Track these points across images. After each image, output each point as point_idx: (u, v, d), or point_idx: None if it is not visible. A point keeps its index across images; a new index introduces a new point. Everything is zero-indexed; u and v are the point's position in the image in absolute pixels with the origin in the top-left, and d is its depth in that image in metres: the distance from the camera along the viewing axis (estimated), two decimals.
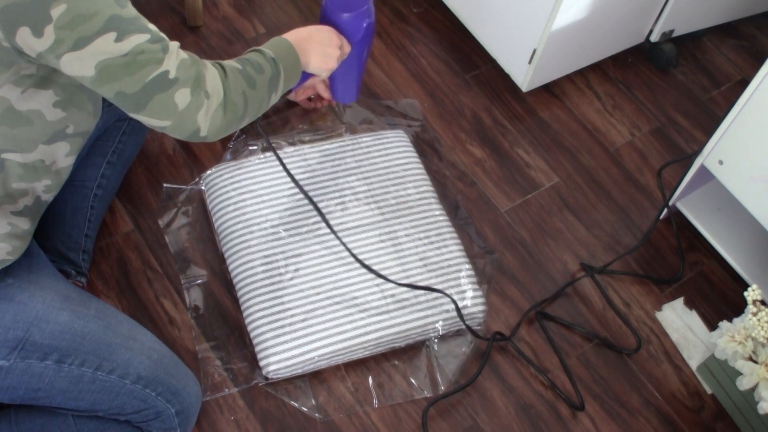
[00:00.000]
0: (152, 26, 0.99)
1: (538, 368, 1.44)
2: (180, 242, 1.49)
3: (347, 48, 1.30)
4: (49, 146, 1.07)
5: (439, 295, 1.42)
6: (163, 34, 1.00)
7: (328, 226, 1.33)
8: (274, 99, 1.17)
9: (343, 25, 1.29)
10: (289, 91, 1.29)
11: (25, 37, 0.91)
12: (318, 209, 1.32)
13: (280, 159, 1.32)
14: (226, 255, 1.46)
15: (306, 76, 1.27)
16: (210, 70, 1.05)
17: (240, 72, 1.09)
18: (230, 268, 1.44)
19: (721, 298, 1.60)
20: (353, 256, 1.34)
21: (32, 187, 1.10)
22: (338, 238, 1.34)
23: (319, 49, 1.23)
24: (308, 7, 1.91)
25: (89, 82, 0.97)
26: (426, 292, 1.42)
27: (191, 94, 1.01)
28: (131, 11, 0.96)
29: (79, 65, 0.94)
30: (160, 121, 1.02)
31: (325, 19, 1.31)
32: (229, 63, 1.10)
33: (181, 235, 1.50)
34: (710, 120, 1.87)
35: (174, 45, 1.01)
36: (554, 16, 1.58)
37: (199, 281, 1.46)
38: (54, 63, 0.95)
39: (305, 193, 1.32)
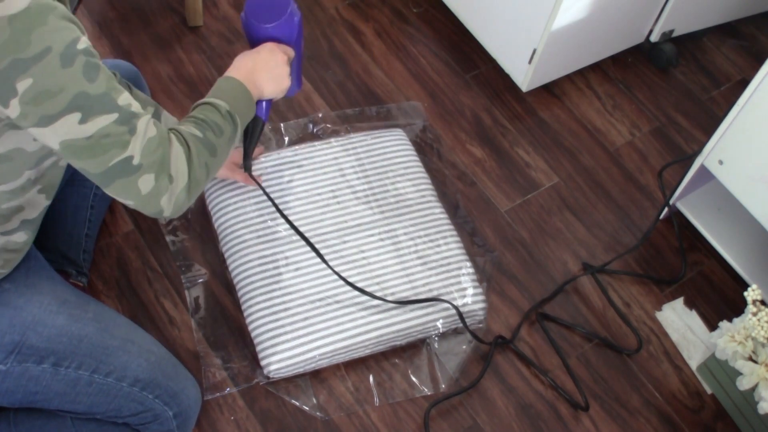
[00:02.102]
0: (123, 100, 0.94)
1: (541, 370, 1.44)
2: (180, 242, 1.49)
3: (291, 53, 1.25)
4: (35, 168, 1.04)
5: (439, 294, 1.42)
6: (134, 108, 0.96)
7: (320, 255, 1.32)
8: (233, 148, 1.14)
9: (279, 32, 1.22)
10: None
11: None
12: (307, 240, 1.31)
13: (271, 199, 1.30)
14: (226, 255, 1.46)
15: (268, 104, 1.24)
16: (175, 150, 1.01)
17: (201, 141, 1.05)
18: (230, 267, 1.44)
19: (721, 298, 1.60)
20: (343, 278, 1.35)
21: (27, 200, 1.07)
22: (329, 266, 1.34)
23: (268, 74, 1.19)
24: (308, 7, 1.91)
25: (55, 152, 0.95)
26: (426, 291, 1.42)
27: (155, 180, 0.98)
28: (100, 86, 0.91)
29: (42, 138, 0.92)
30: (124, 200, 1.00)
31: (254, 34, 1.24)
32: (189, 131, 1.05)
33: (182, 235, 1.50)
34: (710, 120, 1.87)
35: (143, 122, 0.97)
36: (554, 16, 1.58)
37: (200, 280, 1.46)
38: (22, 127, 0.92)
39: (292, 225, 1.30)
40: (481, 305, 1.45)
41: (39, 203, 1.10)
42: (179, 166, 1.01)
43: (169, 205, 1.02)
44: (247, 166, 1.27)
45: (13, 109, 0.88)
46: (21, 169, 1.02)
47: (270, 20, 1.21)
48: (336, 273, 1.35)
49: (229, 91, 1.13)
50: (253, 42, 1.24)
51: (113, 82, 0.94)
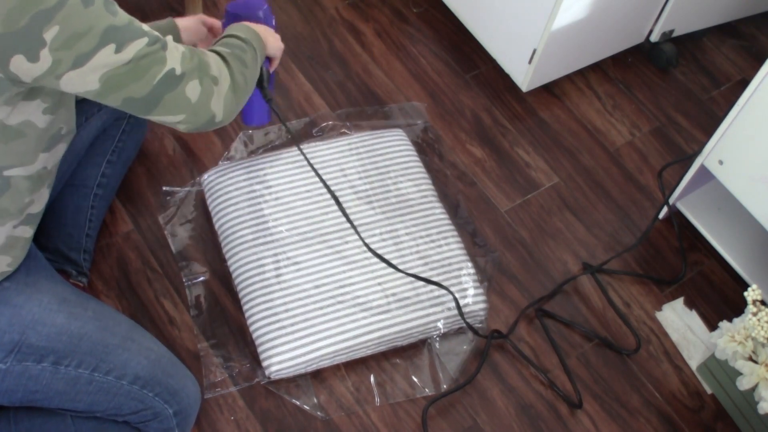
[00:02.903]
0: (145, 26, 0.98)
1: (536, 366, 1.44)
2: (181, 241, 1.49)
3: None
4: (49, 152, 1.07)
5: (441, 293, 1.42)
6: (156, 32, 0.99)
7: (350, 222, 1.33)
8: (257, 74, 1.20)
9: (261, 21, 1.32)
10: None
11: (19, 65, 0.89)
12: (338, 202, 1.32)
13: (307, 159, 1.33)
14: (227, 255, 1.46)
15: (266, 63, 1.30)
16: (210, 56, 1.06)
17: (230, 54, 1.11)
18: (231, 267, 1.44)
19: (721, 298, 1.60)
20: (369, 248, 1.35)
21: (39, 194, 1.09)
22: (357, 231, 1.34)
23: (267, 33, 1.26)
24: (308, 6, 1.91)
25: (93, 95, 0.96)
26: (428, 291, 1.42)
27: (200, 84, 1.02)
28: (123, 17, 0.95)
29: (80, 81, 0.93)
30: (174, 116, 1.03)
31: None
32: (219, 48, 1.12)
33: (182, 234, 1.50)
34: (710, 120, 1.87)
35: (170, 41, 1.01)
36: (554, 16, 1.58)
37: (201, 279, 1.46)
38: (52, 84, 0.93)
39: (328, 187, 1.32)
40: (482, 305, 1.45)
41: (44, 197, 1.11)
42: (219, 67, 1.06)
43: (219, 107, 1.06)
44: (268, 98, 1.33)
45: (44, 62, 0.89)
46: (36, 150, 1.04)
47: (252, 9, 1.31)
48: (365, 244, 1.36)
49: (240, 29, 1.19)
50: None
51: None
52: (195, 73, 1.01)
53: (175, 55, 1.00)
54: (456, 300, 1.40)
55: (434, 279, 1.44)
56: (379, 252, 1.46)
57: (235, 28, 1.20)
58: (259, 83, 1.31)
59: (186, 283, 1.45)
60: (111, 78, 0.94)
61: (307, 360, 1.34)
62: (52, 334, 1.09)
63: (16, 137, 1.00)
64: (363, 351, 1.38)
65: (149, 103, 0.99)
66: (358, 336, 1.36)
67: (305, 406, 1.35)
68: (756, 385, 1.31)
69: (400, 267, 1.44)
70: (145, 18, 1.81)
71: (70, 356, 1.10)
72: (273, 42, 1.28)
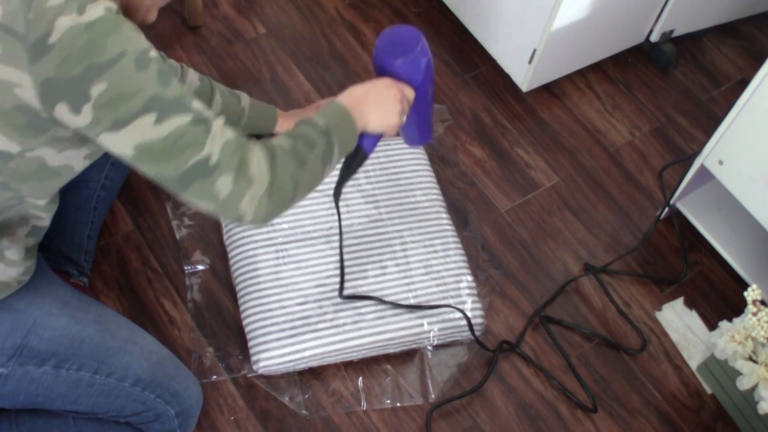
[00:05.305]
0: (196, 104, 0.94)
1: (547, 373, 1.44)
2: (186, 230, 1.50)
3: (411, 94, 1.20)
4: (65, 184, 1.09)
5: (436, 304, 1.42)
6: (208, 112, 0.96)
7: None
8: (329, 170, 1.10)
9: (401, 71, 1.18)
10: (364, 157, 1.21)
11: (63, 113, 0.89)
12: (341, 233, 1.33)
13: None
14: (228, 247, 1.46)
15: (375, 138, 1.19)
16: (255, 154, 0.98)
17: (290, 152, 1.02)
18: (231, 260, 1.45)
19: (721, 298, 1.60)
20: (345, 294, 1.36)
21: (48, 215, 1.12)
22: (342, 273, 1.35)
23: (378, 108, 1.15)
24: (308, 7, 1.91)
25: (128, 160, 0.94)
26: (425, 300, 1.42)
27: (233, 182, 0.96)
28: (174, 90, 0.92)
29: (117, 145, 0.92)
30: (202, 204, 0.98)
31: (379, 68, 1.20)
32: (279, 142, 1.03)
33: (188, 222, 1.51)
34: (710, 120, 1.87)
35: (218, 124, 0.96)
36: (554, 16, 1.58)
37: (201, 267, 1.46)
38: (93, 138, 0.92)
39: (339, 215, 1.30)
40: (479, 320, 1.44)
41: (51, 215, 1.13)
42: (260, 169, 0.98)
43: (250, 209, 0.98)
44: (336, 192, 1.23)
45: (85, 116, 0.88)
46: (57, 186, 1.06)
47: (393, 55, 1.17)
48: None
49: (330, 112, 1.11)
50: (377, 74, 1.21)
51: (186, 89, 0.94)
52: (231, 168, 0.95)
53: (216, 142, 0.94)
54: (469, 320, 1.39)
55: (433, 289, 1.44)
56: (383, 254, 1.46)
57: (329, 109, 1.11)
58: (347, 164, 1.20)
59: (186, 270, 1.45)
60: (145, 150, 0.92)
61: (295, 359, 1.34)
62: (53, 338, 1.09)
63: (53, 177, 1.01)
64: (353, 355, 1.38)
65: (180, 185, 0.95)
66: (349, 339, 1.36)
67: (290, 404, 1.35)
68: (756, 385, 1.31)
69: (402, 273, 1.44)
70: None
71: (71, 359, 1.10)
72: (378, 120, 1.16)
